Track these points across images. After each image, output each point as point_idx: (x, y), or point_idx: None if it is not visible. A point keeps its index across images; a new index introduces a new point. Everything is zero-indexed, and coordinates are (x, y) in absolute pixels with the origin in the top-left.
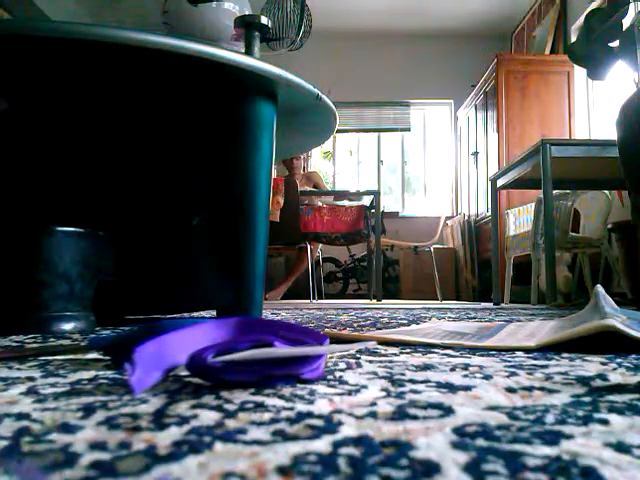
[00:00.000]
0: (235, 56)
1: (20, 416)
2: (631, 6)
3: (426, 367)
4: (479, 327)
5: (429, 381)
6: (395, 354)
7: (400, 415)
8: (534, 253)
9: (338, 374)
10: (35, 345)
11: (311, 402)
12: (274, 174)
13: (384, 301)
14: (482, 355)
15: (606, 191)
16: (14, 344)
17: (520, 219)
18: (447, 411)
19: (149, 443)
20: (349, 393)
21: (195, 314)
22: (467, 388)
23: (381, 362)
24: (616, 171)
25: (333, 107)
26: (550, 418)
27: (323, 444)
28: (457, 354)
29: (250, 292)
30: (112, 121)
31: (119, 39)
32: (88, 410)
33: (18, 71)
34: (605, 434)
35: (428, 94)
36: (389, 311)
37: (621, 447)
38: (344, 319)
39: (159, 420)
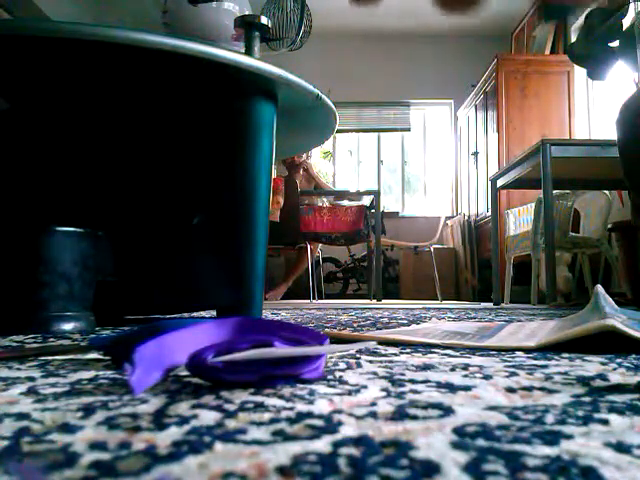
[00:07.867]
0: (235, 56)
1: (20, 416)
2: (631, 6)
3: (426, 367)
4: (479, 327)
5: (429, 381)
6: (395, 354)
7: (400, 415)
8: (534, 253)
9: (338, 374)
10: (35, 345)
11: (311, 402)
12: (274, 174)
13: (384, 301)
14: (482, 355)
15: (606, 191)
16: (14, 344)
17: (520, 219)
18: (447, 411)
19: (149, 443)
20: (349, 393)
21: (195, 314)
22: (467, 388)
23: (381, 362)
24: (616, 171)
25: (333, 107)
26: (550, 418)
27: (323, 444)
28: (457, 354)
29: (250, 292)
30: (112, 121)
31: (119, 39)
32: (88, 410)
33: (18, 71)
34: (605, 434)
35: (428, 94)
36: (389, 311)
37: (621, 447)
38: (344, 319)
39: (159, 420)
